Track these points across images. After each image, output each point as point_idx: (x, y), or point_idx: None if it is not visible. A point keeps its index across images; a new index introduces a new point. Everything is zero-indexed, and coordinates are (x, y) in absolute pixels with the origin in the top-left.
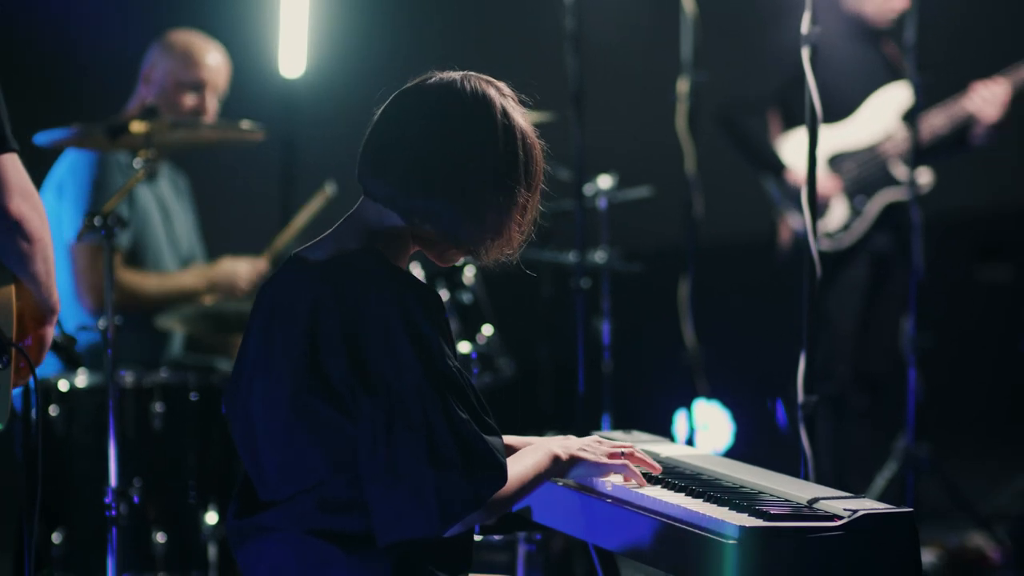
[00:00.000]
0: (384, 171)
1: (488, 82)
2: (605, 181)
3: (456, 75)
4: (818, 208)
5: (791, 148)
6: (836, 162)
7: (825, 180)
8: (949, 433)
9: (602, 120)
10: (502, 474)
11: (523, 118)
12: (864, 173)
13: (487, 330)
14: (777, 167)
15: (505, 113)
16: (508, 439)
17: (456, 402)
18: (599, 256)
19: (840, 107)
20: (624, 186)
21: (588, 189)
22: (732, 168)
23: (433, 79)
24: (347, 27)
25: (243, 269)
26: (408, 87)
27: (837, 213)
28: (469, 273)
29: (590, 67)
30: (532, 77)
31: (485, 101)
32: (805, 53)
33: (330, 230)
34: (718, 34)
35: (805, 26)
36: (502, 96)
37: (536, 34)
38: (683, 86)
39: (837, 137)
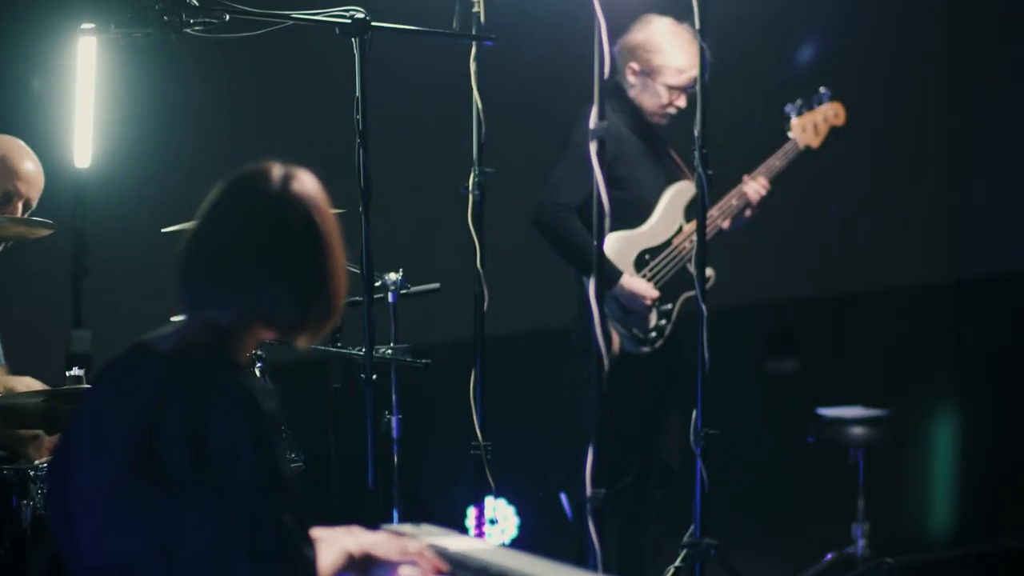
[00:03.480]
0: (226, 276)
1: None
2: (393, 275)
3: (253, 169)
4: (639, 315)
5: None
6: (641, 266)
7: (643, 286)
8: (736, 524)
9: (392, 215)
10: None
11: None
12: (668, 275)
13: None
14: (612, 274)
15: (311, 202)
16: None
17: (285, 507)
18: (388, 350)
19: (643, 207)
20: (414, 280)
21: (377, 283)
22: (521, 262)
23: (239, 178)
24: (135, 117)
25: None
26: (222, 189)
27: (652, 318)
28: (256, 367)
29: (379, 161)
30: (324, 172)
31: (293, 192)
32: (592, 147)
33: (178, 322)
34: (508, 128)
35: (592, 120)
36: (300, 182)
37: (327, 130)
38: (472, 180)
39: (642, 239)
